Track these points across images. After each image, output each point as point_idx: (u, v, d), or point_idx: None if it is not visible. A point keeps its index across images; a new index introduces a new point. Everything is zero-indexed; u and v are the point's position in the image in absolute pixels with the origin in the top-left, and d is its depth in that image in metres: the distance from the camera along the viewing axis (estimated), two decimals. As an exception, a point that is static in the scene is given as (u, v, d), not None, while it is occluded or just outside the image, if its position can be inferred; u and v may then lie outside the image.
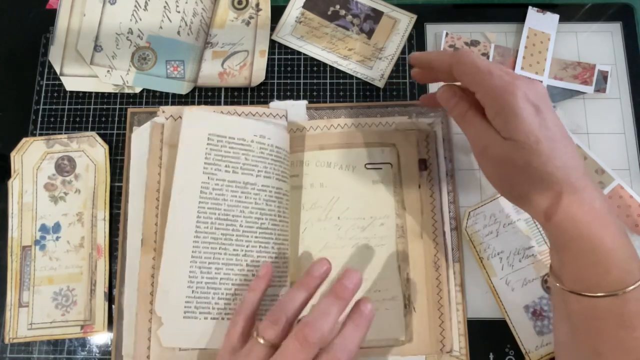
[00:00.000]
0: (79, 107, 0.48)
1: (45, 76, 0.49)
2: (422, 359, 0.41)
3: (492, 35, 0.49)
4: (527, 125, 0.32)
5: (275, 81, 0.48)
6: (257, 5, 0.50)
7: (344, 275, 0.34)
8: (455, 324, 0.42)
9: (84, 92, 0.48)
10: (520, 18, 0.49)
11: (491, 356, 0.42)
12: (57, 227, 0.44)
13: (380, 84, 0.48)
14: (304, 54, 0.49)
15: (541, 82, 0.35)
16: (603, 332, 0.31)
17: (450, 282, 0.43)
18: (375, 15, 0.50)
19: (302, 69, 0.49)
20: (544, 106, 0.33)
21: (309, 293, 0.35)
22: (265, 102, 0.47)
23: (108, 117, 0.48)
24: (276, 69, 0.49)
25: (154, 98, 0.48)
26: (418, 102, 0.46)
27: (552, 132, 0.33)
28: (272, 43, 0.49)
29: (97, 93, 0.48)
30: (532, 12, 0.49)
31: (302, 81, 0.48)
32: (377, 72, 0.48)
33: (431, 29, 0.50)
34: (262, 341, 0.32)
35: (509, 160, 0.33)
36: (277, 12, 0.50)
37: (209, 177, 0.41)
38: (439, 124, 0.46)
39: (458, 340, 0.42)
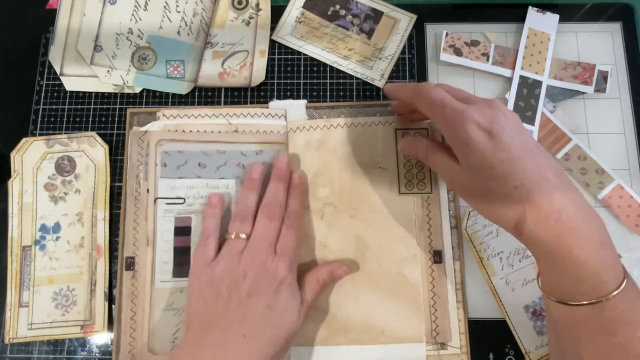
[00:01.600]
0: (79, 107, 0.48)
1: (45, 76, 0.49)
2: (422, 354, 0.41)
3: (492, 35, 0.49)
4: (479, 153, 0.33)
5: (275, 81, 0.48)
6: (257, 5, 0.50)
7: (276, 160, 0.43)
8: (456, 321, 0.42)
9: (84, 92, 0.48)
10: (520, 18, 0.49)
11: (491, 356, 0.42)
12: (57, 227, 0.44)
13: (380, 84, 0.48)
14: (304, 54, 0.49)
15: (498, 100, 0.36)
16: (583, 339, 0.32)
17: (449, 279, 0.43)
18: (375, 15, 0.50)
19: (302, 69, 0.49)
20: (499, 127, 0.33)
21: (257, 192, 0.42)
22: (265, 102, 0.47)
23: (108, 117, 0.48)
24: (276, 69, 0.49)
25: (154, 98, 0.48)
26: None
27: (508, 153, 0.33)
28: (272, 43, 0.49)
29: (97, 93, 0.48)
30: (532, 12, 0.49)
31: (302, 81, 0.48)
32: (377, 72, 0.48)
33: (431, 29, 0.50)
34: (240, 235, 0.39)
35: (472, 187, 0.36)
36: (277, 12, 0.50)
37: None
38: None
39: (459, 338, 0.42)
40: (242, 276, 0.37)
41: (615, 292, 0.30)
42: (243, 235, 0.39)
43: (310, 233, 0.44)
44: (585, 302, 0.31)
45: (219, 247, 0.40)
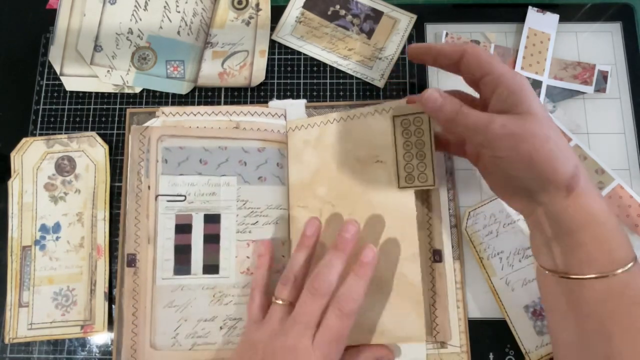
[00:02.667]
0: (79, 107, 0.48)
1: (45, 76, 0.49)
2: (422, 353, 0.41)
3: (492, 35, 0.49)
4: (539, 104, 0.34)
5: (275, 81, 0.48)
6: (257, 5, 0.50)
7: (342, 228, 0.38)
8: (456, 320, 0.42)
9: (84, 92, 0.48)
10: (520, 18, 0.49)
11: (491, 356, 0.42)
12: (57, 227, 0.44)
13: (380, 84, 0.48)
14: (304, 54, 0.49)
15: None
16: (616, 313, 0.32)
17: (449, 278, 0.43)
18: (375, 15, 0.50)
19: (302, 69, 0.49)
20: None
21: (308, 252, 0.39)
22: (265, 102, 0.47)
23: (108, 117, 0.48)
24: (276, 69, 0.49)
25: (154, 98, 0.48)
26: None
27: (552, 120, 0.34)
28: (272, 43, 0.49)
29: (97, 93, 0.48)
30: (532, 12, 0.49)
31: (302, 81, 0.48)
32: (377, 72, 0.48)
33: (431, 29, 0.50)
34: (279, 302, 0.37)
35: (526, 133, 0.32)
36: (277, 12, 0.50)
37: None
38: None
39: (459, 337, 0.42)
40: (271, 356, 0.35)
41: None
42: (280, 302, 0.37)
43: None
44: (625, 268, 0.32)
45: (268, 302, 0.39)
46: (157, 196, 0.44)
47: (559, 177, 0.32)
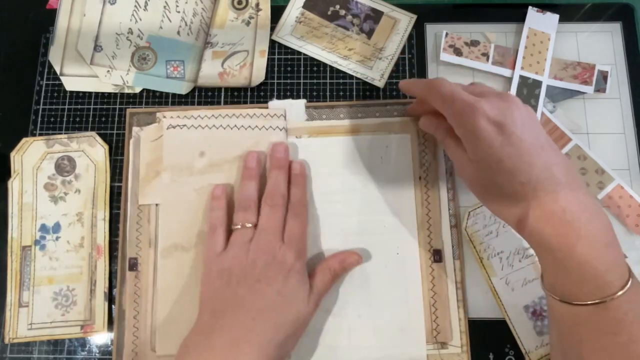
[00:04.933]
0: (79, 107, 0.48)
1: (45, 76, 0.49)
2: (423, 353, 0.41)
3: (492, 35, 0.49)
4: (487, 146, 0.33)
5: (275, 81, 0.48)
6: (257, 5, 0.50)
7: (273, 149, 0.43)
8: (456, 320, 0.42)
9: (84, 92, 0.48)
10: (520, 18, 0.49)
11: (491, 356, 0.42)
12: (57, 227, 0.44)
13: (380, 84, 0.48)
14: (304, 54, 0.49)
15: (514, 95, 0.37)
16: (586, 338, 0.31)
17: (449, 278, 0.43)
18: (375, 15, 0.50)
19: (302, 68, 0.49)
20: (510, 121, 0.33)
21: (256, 180, 0.42)
22: (265, 102, 0.47)
23: (108, 117, 0.48)
24: (276, 69, 0.49)
25: (154, 98, 0.48)
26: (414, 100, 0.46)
27: (517, 148, 0.33)
28: (272, 43, 0.49)
29: (97, 93, 0.48)
30: (532, 12, 0.49)
31: (302, 81, 0.48)
32: (377, 72, 0.48)
33: (431, 29, 0.50)
34: (246, 225, 0.40)
35: (479, 179, 0.36)
36: (277, 12, 0.50)
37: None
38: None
39: (459, 337, 0.42)
40: (251, 265, 0.37)
41: (619, 293, 0.30)
42: (249, 225, 0.40)
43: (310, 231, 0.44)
44: (588, 302, 0.31)
45: (228, 238, 0.40)
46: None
47: (507, 221, 0.36)
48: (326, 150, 0.45)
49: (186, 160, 0.44)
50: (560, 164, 0.33)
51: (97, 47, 0.49)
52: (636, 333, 0.30)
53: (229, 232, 0.41)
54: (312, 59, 0.49)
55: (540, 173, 0.32)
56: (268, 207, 0.40)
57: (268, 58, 0.49)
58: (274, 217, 0.40)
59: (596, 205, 0.32)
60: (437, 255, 0.43)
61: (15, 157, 0.46)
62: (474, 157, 0.35)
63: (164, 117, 0.46)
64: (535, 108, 0.46)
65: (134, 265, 0.43)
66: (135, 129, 0.46)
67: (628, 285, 0.30)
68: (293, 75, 0.49)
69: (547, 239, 0.32)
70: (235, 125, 0.45)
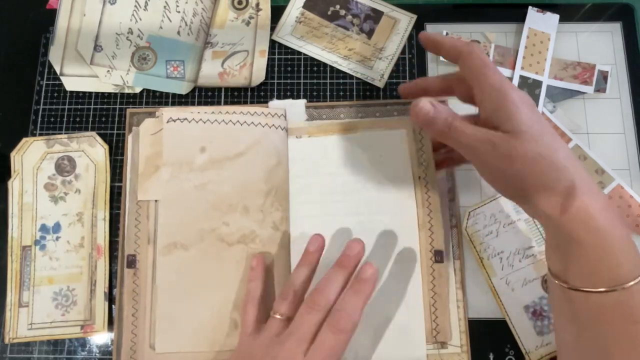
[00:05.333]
0: (79, 107, 0.48)
1: (45, 76, 0.49)
2: (423, 353, 0.41)
3: (492, 35, 0.49)
4: (529, 118, 0.32)
5: (275, 81, 0.48)
6: (257, 5, 0.50)
7: (347, 246, 0.38)
8: (456, 320, 0.42)
9: (84, 92, 0.48)
10: (520, 18, 0.49)
11: (491, 356, 0.42)
12: (57, 227, 0.44)
13: (380, 84, 0.48)
14: (304, 54, 0.49)
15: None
16: (611, 329, 0.31)
17: (449, 278, 0.43)
18: (375, 15, 0.50)
19: (302, 69, 0.49)
20: (536, 108, 0.34)
21: (310, 268, 0.38)
22: (265, 102, 0.47)
23: (108, 117, 0.48)
24: (276, 69, 0.49)
25: (154, 98, 0.48)
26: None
27: (548, 128, 0.33)
28: (272, 43, 0.49)
29: (97, 93, 0.48)
30: (532, 12, 0.49)
31: (302, 81, 0.48)
32: (377, 72, 0.48)
33: (431, 29, 0.50)
34: (277, 316, 0.36)
35: (516, 154, 0.32)
36: (277, 12, 0.50)
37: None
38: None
39: (459, 337, 0.42)
40: None
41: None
42: (278, 316, 0.37)
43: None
44: (618, 287, 0.30)
45: (262, 313, 0.39)
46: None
47: (544, 202, 0.32)
48: (326, 150, 0.45)
49: (186, 155, 0.44)
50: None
51: (97, 47, 0.49)
52: None
53: (265, 304, 0.40)
54: (312, 59, 0.49)
55: (571, 154, 0.33)
56: (305, 309, 0.35)
57: (268, 58, 0.49)
58: (307, 321, 0.35)
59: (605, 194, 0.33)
60: (438, 256, 0.43)
61: (15, 157, 0.46)
62: (511, 127, 0.32)
63: (163, 113, 0.45)
64: (535, 108, 0.46)
65: (132, 262, 0.43)
66: (135, 128, 0.46)
67: None
68: (293, 75, 0.49)
69: (596, 218, 0.31)
70: (238, 121, 0.45)
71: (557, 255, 0.34)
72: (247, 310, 0.39)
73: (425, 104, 0.36)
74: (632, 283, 0.30)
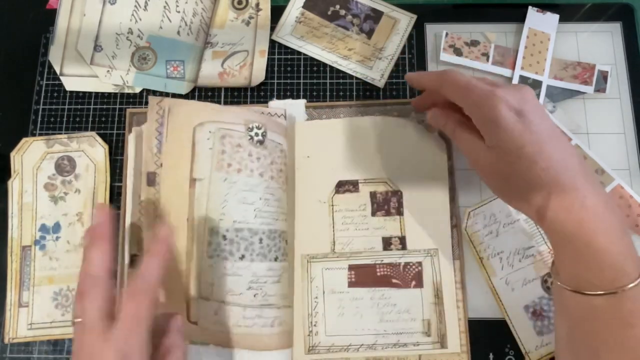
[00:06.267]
0: (79, 107, 0.48)
1: (45, 76, 0.49)
2: (422, 353, 0.41)
3: (492, 35, 0.49)
4: (509, 132, 0.33)
5: (275, 81, 0.48)
6: (257, 5, 0.50)
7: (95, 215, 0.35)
8: (456, 320, 0.42)
9: (84, 92, 0.48)
10: (520, 18, 0.49)
11: (491, 356, 0.42)
12: (57, 227, 0.44)
13: (380, 84, 0.48)
14: (304, 54, 0.49)
15: (529, 86, 0.37)
16: (600, 330, 0.31)
17: (449, 278, 0.43)
18: (375, 15, 0.50)
19: (302, 68, 0.49)
20: (528, 109, 0.34)
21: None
22: (265, 102, 0.47)
23: (108, 117, 0.48)
24: (276, 69, 0.49)
25: (154, 98, 0.48)
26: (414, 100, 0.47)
27: (537, 135, 0.33)
28: (272, 43, 0.49)
29: (97, 93, 0.48)
30: (532, 12, 0.49)
31: (302, 81, 0.48)
32: (377, 72, 0.48)
33: (431, 29, 0.50)
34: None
35: (497, 168, 0.35)
36: (277, 12, 0.50)
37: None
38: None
39: (459, 337, 0.42)
40: None
41: (636, 282, 0.30)
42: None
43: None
44: (604, 292, 0.30)
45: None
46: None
47: (526, 210, 0.35)
48: (325, 145, 0.45)
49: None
50: (575, 154, 0.34)
51: (97, 47, 0.49)
52: None
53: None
54: (312, 59, 0.49)
55: (559, 161, 0.33)
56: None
57: (268, 58, 0.49)
58: (89, 308, 0.32)
59: (609, 197, 0.33)
60: (437, 256, 0.43)
61: (15, 157, 0.46)
62: (492, 143, 0.35)
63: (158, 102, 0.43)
64: (535, 108, 0.46)
65: (134, 262, 0.43)
66: (135, 129, 0.46)
67: None
68: (293, 75, 0.49)
69: (568, 226, 0.32)
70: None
71: (554, 253, 0.35)
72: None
73: (434, 113, 0.41)
74: (630, 286, 0.30)
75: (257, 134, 0.43)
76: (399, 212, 0.44)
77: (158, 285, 0.34)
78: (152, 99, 0.43)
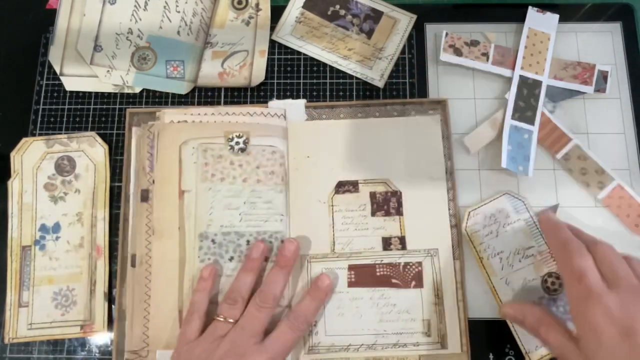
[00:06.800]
0: (79, 107, 0.48)
1: (45, 76, 0.49)
2: (422, 353, 0.41)
3: (492, 35, 0.49)
4: (609, 353, 0.29)
5: (275, 81, 0.48)
6: (257, 5, 0.50)
7: (282, 247, 0.41)
8: (456, 320, 0.42)
9: (84, 92, 0.48)
10: (520, 18, 0.49)
11: (491, 356, 0.42)
12: (56, 227, 0.44)
13: (380, 83, 0.48)
14: (304, 54, 0.49)
15: None
16: None
17: (449, 278, 0.43)
18: (375, 15, 0.50)
19: (302, 68, 0.49)
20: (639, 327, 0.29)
21: (254, 274, 0.40)
22: (265, 102, 0.47)
23: (108, 117, 0.48)
24: (276, 69, 0.49)
25: (154, 98, 0.48)
26: (417, 100, 0.46)
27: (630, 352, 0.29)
28: (272, 43, 0.49)
29: (97, 93, 0.48)
30: (532, 12, 0.49)
31: (301, 81, 0.48)
32: (377, 72, 0.48)
33: (431, 29, 0.50)
34: (221, 318, 0.38)
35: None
36: (277, 12, 0.50)
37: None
38: (437, 122, 0.46)
39: (459, 337, 0.42)
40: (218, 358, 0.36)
41: None
42: (230, 320, 0.38)
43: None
44: None
45: (205, 325, 0.39)
46: None
47: None
48: (325, 146, 0.45)
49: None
50: None
51: (97, 47, 0.49)
52: None
53: (208, 316, 0.40)
54: (312, 59, 0.49)
55: None
56: (254, 306, 0.38)
57: (268, 58, 0.49)
58: (256, 317, 0.38)
59: None
60: (437, 256, 0.43)
61: (15, 157, 0.46)
62: (589, 352, 0.31)
63: (165, 114, 0.45)
64: (535, 108, 0.46)
65: (135, 262, 0.43)
66: (135, 129, 0.46)
67: None
68: (293, 75, 0.49)
69: None
70: (237, 122, 0.45)
71: None
72: (191, 319, 0.39)
73: (508, 311, 0.40)
74: None
75: (237, 143, 0.44)
76: (399, 212, 0.44)
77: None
78: (143, 125, 0.45)
